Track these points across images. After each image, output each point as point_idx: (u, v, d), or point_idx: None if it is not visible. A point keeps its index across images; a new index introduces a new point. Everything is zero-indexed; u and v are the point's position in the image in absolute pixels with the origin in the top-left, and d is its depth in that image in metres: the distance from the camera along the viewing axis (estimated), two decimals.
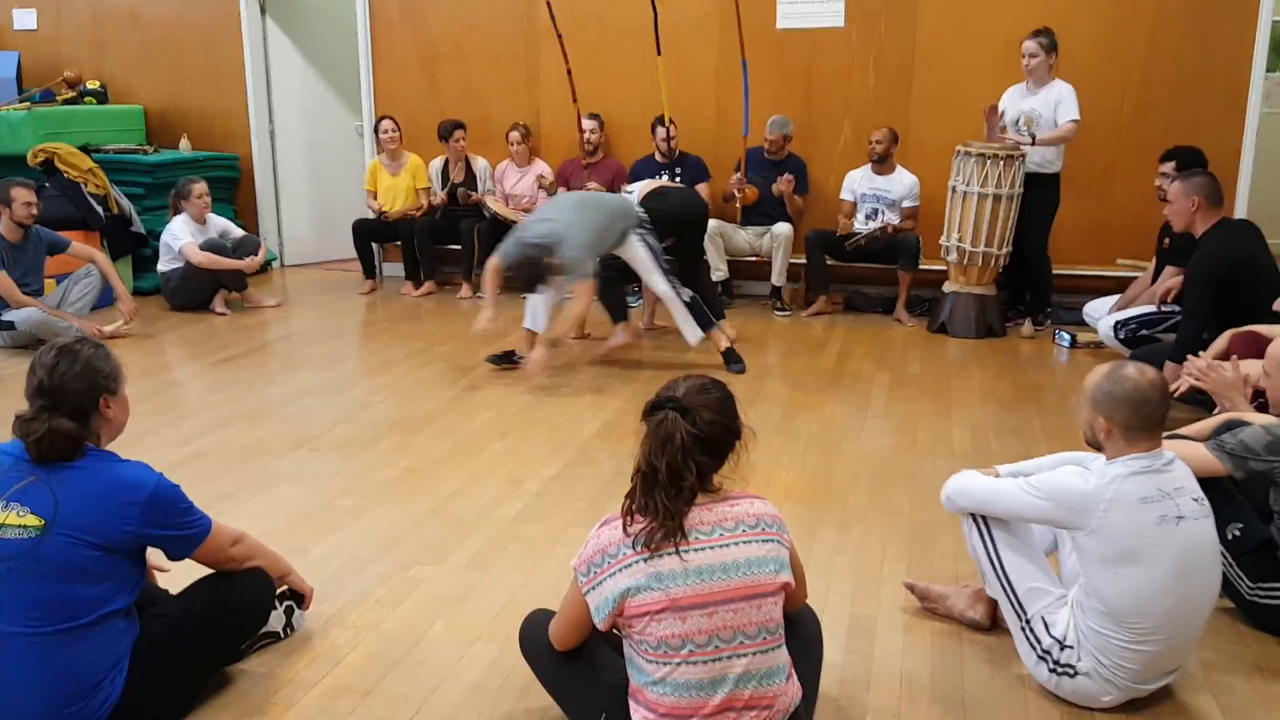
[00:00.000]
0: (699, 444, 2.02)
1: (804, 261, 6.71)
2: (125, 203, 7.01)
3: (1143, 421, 2.36)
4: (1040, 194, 6.02)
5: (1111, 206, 6.57)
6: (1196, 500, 2.41)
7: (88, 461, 2.30)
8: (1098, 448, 2.48)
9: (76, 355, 2.31)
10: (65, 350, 2.32)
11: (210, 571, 2.57)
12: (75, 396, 2.28)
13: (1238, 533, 2.81)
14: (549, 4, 6.59)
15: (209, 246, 6.56)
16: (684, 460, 2.01)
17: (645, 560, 2.02)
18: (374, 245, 7.62)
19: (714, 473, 2.09)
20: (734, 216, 6.87)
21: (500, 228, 7.20)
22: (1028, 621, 2.54)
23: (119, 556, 2.29)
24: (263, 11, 7.92)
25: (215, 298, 6.66)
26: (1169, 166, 5.41)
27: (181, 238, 6.50)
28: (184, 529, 2.40)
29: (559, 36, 6.57)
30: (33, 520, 2.23)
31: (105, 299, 6.29)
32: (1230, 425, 2.92)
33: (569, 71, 6.64)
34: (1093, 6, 6.46)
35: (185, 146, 7.87)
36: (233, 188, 8.06)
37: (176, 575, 2.64)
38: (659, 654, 2.03)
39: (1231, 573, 2.82)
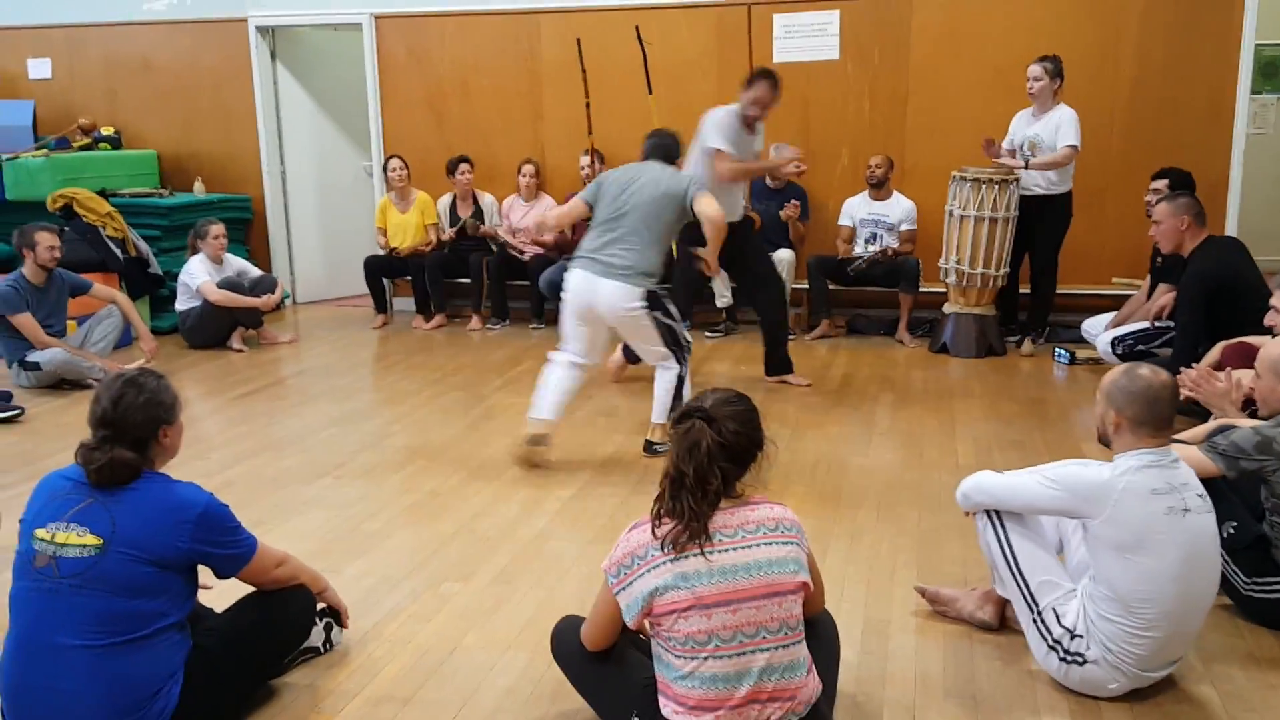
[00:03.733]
0: (724, 451, 2.17)
1: (806, 286, 6.87)
2: (143, 245, 7.18)
3: (1151, 418, 2.52)
4: (1050, 214, 6.16)
5: (1104, 227, 6.74)
6: (1201, 496, 2.56)
7: (142, 483, 2.44)
8: (1108, 444, 2.63)
9: (142, 387, 2.45)
10: (131, 382, 2.46)
11: (254, 590, 2.70)
12: (136, 428, 2.42)
13: (1232, 530, 2.95)
14: (578, 41, 6.84)
15: (226, 285, 6.72)
16: (709, 466, 2.15)
17: (672, 561, 2.16)
18: (385, 281, 7.79)
19: (737, 479, 2.23)
20: None
21: (510, 260, 7.38)
22: (1039, 613, 2.67)
23: (173, 573, 2.42)
24: (273, 56, 8.14)
25: (232, 335, 6.82)
26: (1161, 184, 5.59)
27: (199, 277, 6.67)
28: (232, 547, 2.53)
29: (583, 72, 6.80)
30: (92, 539, 2.36)
31: (126, 338, 6.44)
32: (1223, 429, 3.06)
33: (588, 105, 6.87)
34: (1080, 31, 6.66)
35: (199, 189, 8.05)
36: (246, 228, 8.24)
37: (220, 594, 2.77)
38: (686, 649, 2.15)
39: (1228, 569, 2.95)
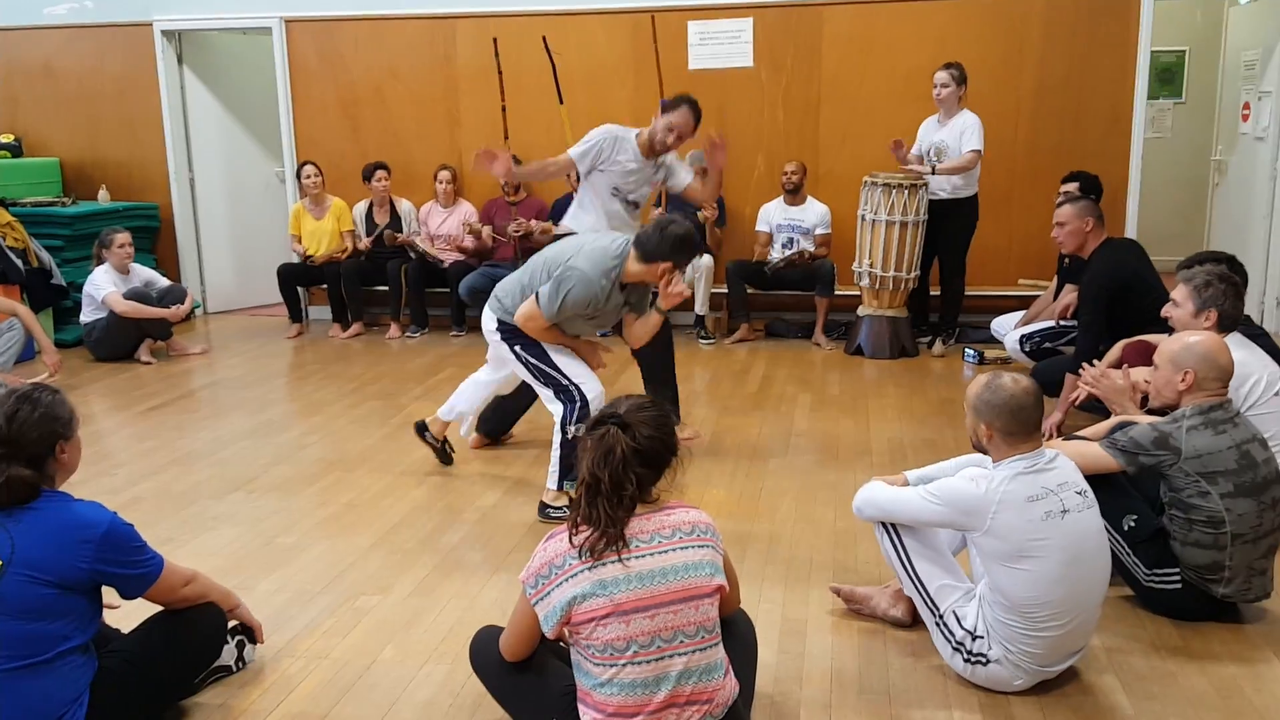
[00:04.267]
0: (639, 457, 2.18)
1: (725, 291, 6.94)
2: (45, 255, 6.95)
3: (1020, 426, 2.59)
4: (958, 218, 6.33)
5: (1011, 230, 6.93)
6: (1080, 493, 2.63)
7: (42, 502, 2.37)
8: (983, 450, 2.70)
9: (37, 402, 2.38)
10: (25, 398, 2.38)
11: (162, 609, 2.64)
12: (33, 445, 2.35)
13: (1133, 524, 3.05)
14: (495, 41, 6.79)
15: (133, 295, 6.55)
16: (625, 472, 2.16)
17: (590, 569, 2.16)
18: (299, 289, 7.66)
19: (652, 484, 2.25)
20: None
21: (428, 267, 7.31)
22: (941, 617, 2.74)
23: (75, 594, 2.35)
24: (180, 61, 7.95)
25: (140, 347, 6.64)
26: (1071, 186, 5.77)
27: (104, 287, 6.48)
28: (137, 567, 2.47)
29: (500, 74, 6.76)
30: None
31: (28, 352, 6.23)
32: (1122, 426, 3.17)
33: (504, 109, 6.82)
34: (985, 40, 6.84)
35: (104, 197, 7.83)
36: (153, 237, 8.03)
37: (127, 614, 2.70)
38: (605, 657, 2.16)
39: (1128, 560, 3.06)
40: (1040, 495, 2.56)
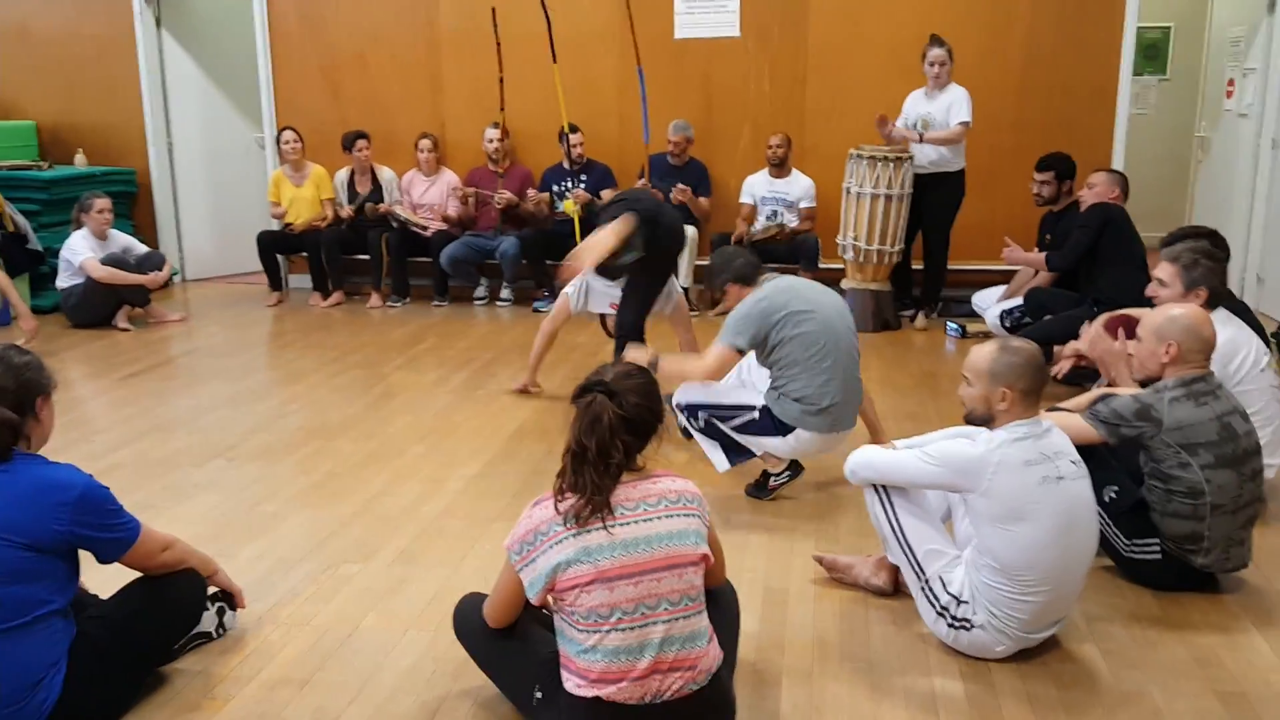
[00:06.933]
0: (625, 424, 2.17)
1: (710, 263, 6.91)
2: (21, 220, 6.84)
3: (1038, 385, 2.63)
4: (944, 191, 6.32)
5: (995, 204, 6.92)
6: (1074, 463, 2.65)
7: (17, 465, 2.34)
8: (982, 422, 2.70)
9: (9, 360, 2.35)
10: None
11: (140, 575, 2.61)
12: (13, 394, 2.33)
13: (1113, 495, 3.07)
14: (493, 11, 6.67)
15: (110, 261, 6.47)
16: (611, 439, 2.15)
17: (574, 535, 2.16)
18: (279, 257, 7.58)
19: (638, 452, 2.23)
20: None
21: (410, 236, 7.26)
22: (926, 581, 2.75)
23: (52, 557, 2.33)
24: (158, 24, 7.82)
25: (118, 313, 6.56)
26: (1047, 175, 5.77)
27: (82, 253, 6.40)
28: (114, 531, 2.44)
29: (498, 44, 6.66)
30: None
31: (4, 318, 6.16)
32: (1104, 398, 3.18)
33: (501, 79, 6.76)
34: (973, 14, 6.81)
35: (81, 161, 7.72)
36: (130, 202, 7.92)
37: (107, 580, 2.68)
38: (589, 623, 2.16)
39: (1109, 531, 3.08)
40: (1037, 460, 2.57)
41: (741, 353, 3.75)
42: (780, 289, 3.75)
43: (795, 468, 3.81)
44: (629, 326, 4.54)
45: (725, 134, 7.22)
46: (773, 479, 3.82)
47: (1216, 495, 2.92)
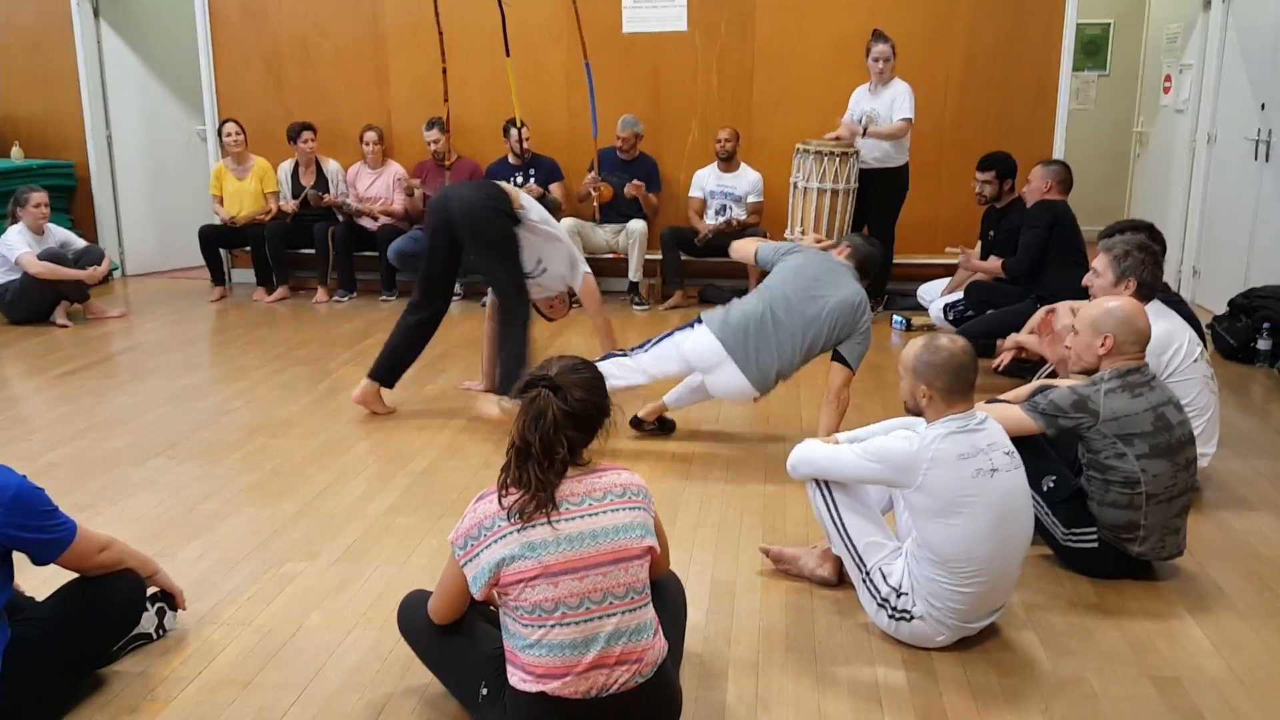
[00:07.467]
0: (570, 419, 2.16)
1: (660, 258, 6.93)
2: None
3: (959, 385, 2.64)
4: (889, 186, 6.40)
5: (939, 199, 7.02)
6: (1008, 454, 2.69)
7: None
8: (918, 413, 2.74)
9: None
10: None
11: (77, 576, 2.57)
12: None
13: (1052, 484, 3.13)
14: (435, 1, 6.58)
15: (48, 256, 6.33)
16: (556, 435, 2.15)
17: (519, 531, 2.15)
18: (222, 251, 7.47)
19: (584, 447, 2.23)
20: (592, 215, 7.05)
21: (356, 230, 7.18)
22: (867, 573, 2.78)
23: None
24: (96, 14, 7.66)
25: (56, 310, 6.43)
26: (989, 175, 5.85)
27: (18, 248, 6.26)
28: (49, 532, 2.39)
29: (440, 35, 6.58)
30: None
31: None
32: (1043, 390, 3.24)
33: (444, 70, 6.68)
34: (916, 10, 6.88)
35: (17, 154, 7.55)
36: (69, 196, 7.76)
37: (44, 581, 2.62)
38: (533, 618, 2.15)
39: (1047, 520, 3.14)
40: (970, 453, 2.61)
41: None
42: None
43: (667, 426, 4.42)
44: (509, 297, 4.52)
45: (674, 128, 7.23)
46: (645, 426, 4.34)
47: (1152, 485, 2.98)
